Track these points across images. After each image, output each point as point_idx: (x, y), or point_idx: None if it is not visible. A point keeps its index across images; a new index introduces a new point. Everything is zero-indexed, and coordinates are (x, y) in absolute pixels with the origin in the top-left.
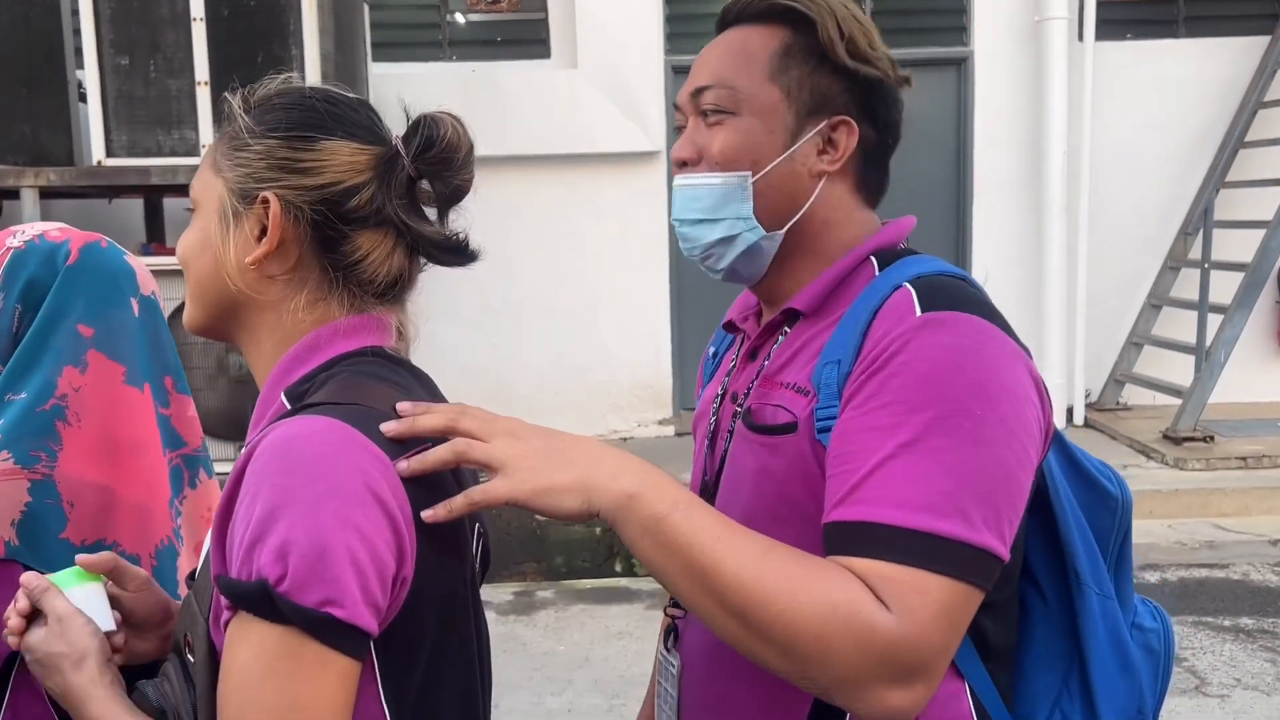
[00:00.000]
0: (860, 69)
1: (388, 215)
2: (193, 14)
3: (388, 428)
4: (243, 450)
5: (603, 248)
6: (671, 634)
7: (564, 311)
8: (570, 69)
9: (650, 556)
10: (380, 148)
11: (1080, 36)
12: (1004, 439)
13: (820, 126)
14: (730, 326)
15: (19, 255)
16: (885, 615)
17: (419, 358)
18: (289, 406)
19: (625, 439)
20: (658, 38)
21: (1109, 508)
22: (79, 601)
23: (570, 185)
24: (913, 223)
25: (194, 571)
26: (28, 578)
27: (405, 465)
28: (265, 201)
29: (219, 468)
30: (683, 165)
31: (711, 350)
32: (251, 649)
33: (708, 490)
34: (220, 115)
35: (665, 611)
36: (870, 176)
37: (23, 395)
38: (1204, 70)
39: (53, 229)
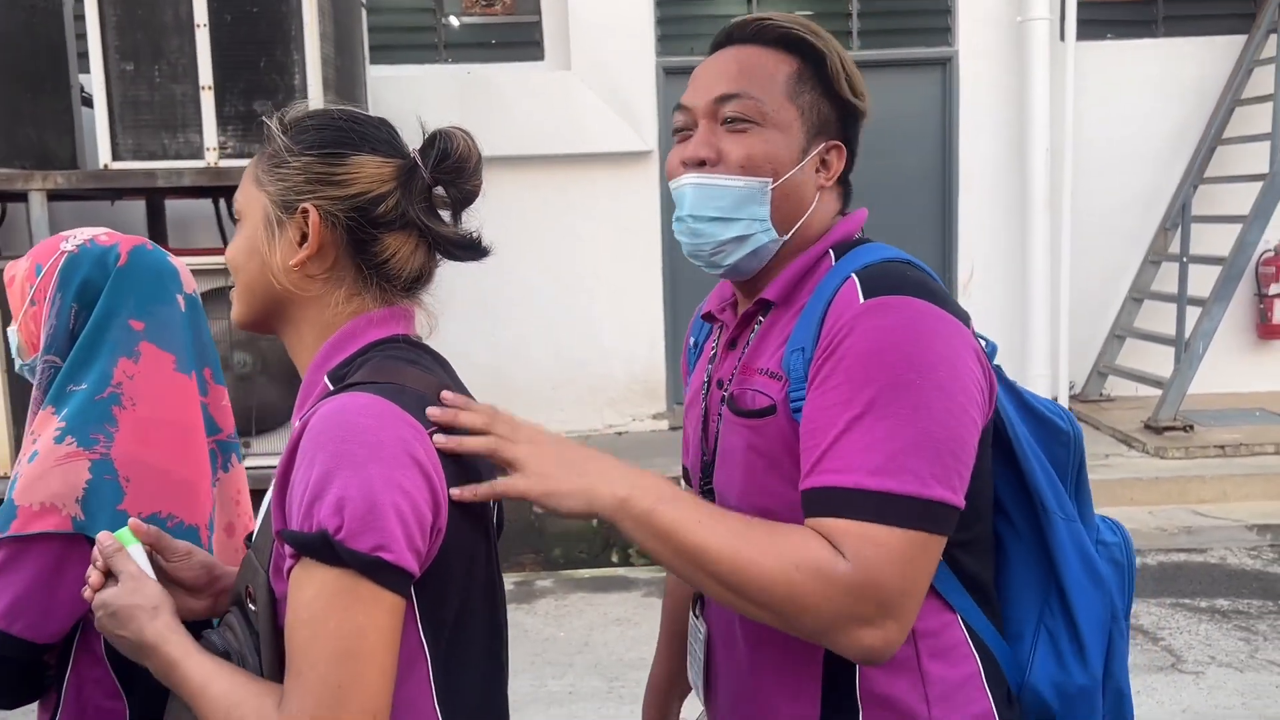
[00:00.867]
0: (853, 102)
1: (411, 218)
2: (196, 20)
3: (433, 413)
4: (294, 426)
5: (597, 245)
6: (699, 601)
7: (560, 308)
8: (564, 70)
9: (648, 545)
10: (401, 160)
11: (1062, 36)
12: (943, 401)
13: (820, 147)
14: (709, 317)
15: (73, 259)
16: (844, 565)
17: None
18: (331, 387)
19: (620, 432)
20: (649, 40)
21: (1062, 441)
22: (137, 558)
23: (564, 184)
24: (864, 214)
25: (250, 534)
26: (103, 536)
27: (444, 441)
28: (305, 211)
29: None
30: (700, 165)
31: (692, 340)
32: (315, 588)
33: (707, 469)
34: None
35: None
36: (845, 190)
37: (83, 386)
38: (1182, 69)
39: (100, 233)
